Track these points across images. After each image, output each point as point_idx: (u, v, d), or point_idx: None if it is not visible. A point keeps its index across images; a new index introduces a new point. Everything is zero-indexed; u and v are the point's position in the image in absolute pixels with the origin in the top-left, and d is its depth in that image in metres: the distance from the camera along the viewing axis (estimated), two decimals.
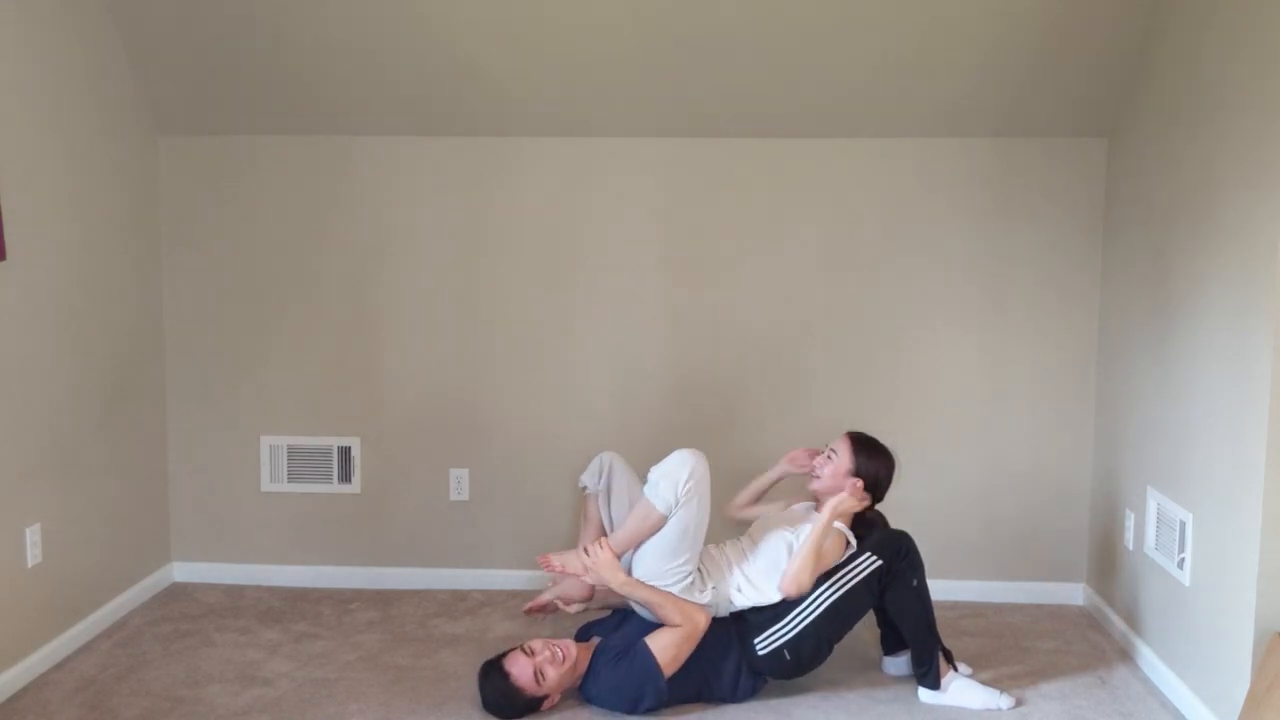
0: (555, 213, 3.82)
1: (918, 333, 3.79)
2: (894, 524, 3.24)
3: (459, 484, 3.93)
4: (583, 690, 2.99)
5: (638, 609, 3.10)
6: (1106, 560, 3.63)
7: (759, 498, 3.43)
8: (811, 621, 2.97)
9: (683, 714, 2.98)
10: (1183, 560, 3.00)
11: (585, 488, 3.34)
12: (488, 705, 2.91)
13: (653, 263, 3.82)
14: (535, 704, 2.91)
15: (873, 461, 3.14)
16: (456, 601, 3.83)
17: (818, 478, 3.16)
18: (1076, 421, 3.77)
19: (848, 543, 3.08)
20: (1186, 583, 2.99)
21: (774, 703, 3.04)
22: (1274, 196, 2.54)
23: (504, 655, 2.94)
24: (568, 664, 2.91)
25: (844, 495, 3.05)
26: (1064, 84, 3.47)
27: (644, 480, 3.02)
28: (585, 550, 3.03)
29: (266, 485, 3.95)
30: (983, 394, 3.79)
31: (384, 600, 3.82)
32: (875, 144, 3.73)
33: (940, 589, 3.50)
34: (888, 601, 3.03)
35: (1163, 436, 3.18)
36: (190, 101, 3.71)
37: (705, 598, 3.02)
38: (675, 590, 2.98)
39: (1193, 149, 3.01)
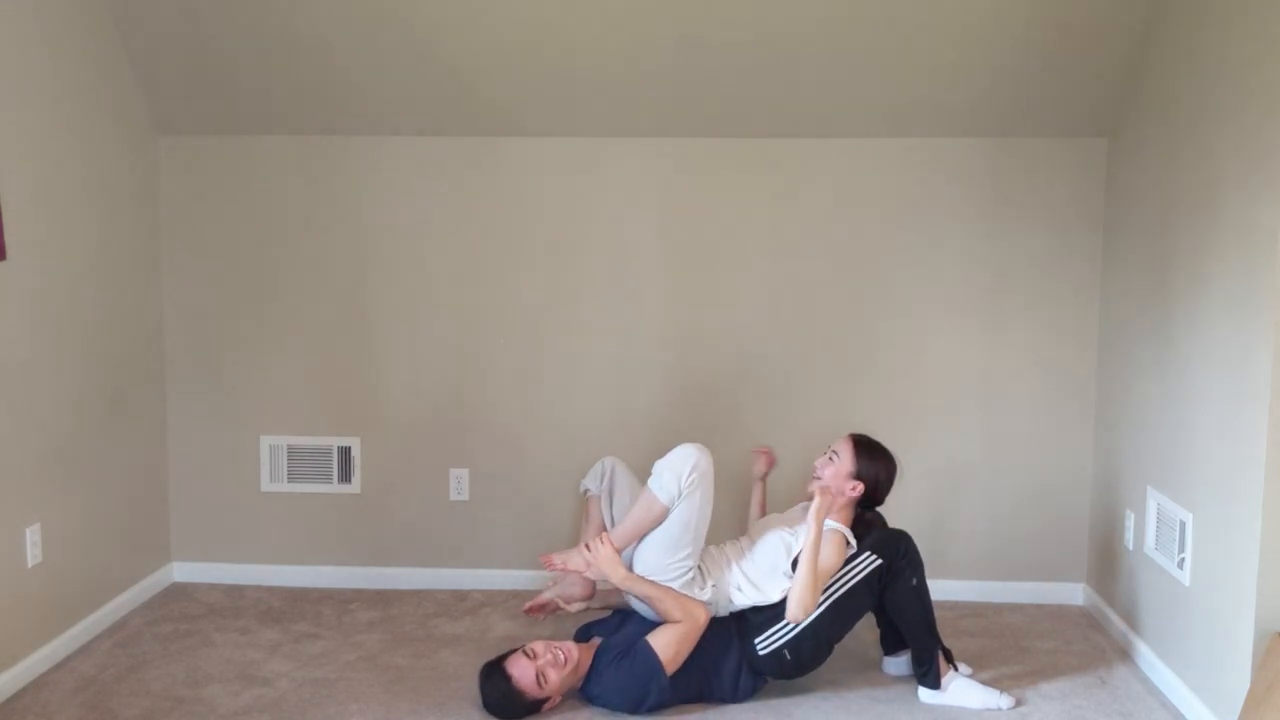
0: (555, 212, 3.82)
1: (918, 333, 3.79)
2: (894, 524, 3.24)
3: (459, 484, 3.93)
4: (584, 691, 2.99)
5: (638, 608, 3.11)
6: (1106, 560, 3.63)
7: (763, 508, 3.47)
8: (812, 621, 2.97)
9: (684, 714, 2.98)
10: (1183, 560, 3.00)
11: (587, 491, 3.34)
12: (489, 706, 2.91)
13: (653, 262, 3.82)
14: (537, 706, 2.91)
15: (874, 464, 3.14)
16: (456, 601, 3.83)
17: (819, 478, 3.15)
18: (1077, 421, 3.77)
19: (847, 542, 3.08)
20: (1186, 583, 2.99)
21: (774, 703, 3.04)
22: (1274, 196, 2.54)
23: (506, 657, 2.94)
24: (570, 666, 2.91)
25: (819, 501, 2.99)
26: (1064, 84, 3.47)
27: (646, 481, 3.02)
28: (587, 546, 3.03)
29: (266, 485, 3.95)
30: (983, 394, 3.79)
31: (384, 600, 3.82)
32: (875, 144, 3.72)
33: (940, 589, 3.50)
34: (887, 601, 3.03)
35: (1163, 436, 3.18)
36: (190, 101, 3.71)
37: (705, 595, 3.02)
38: (676, 586, 2.98)
39: (1193, 149, 3.01)
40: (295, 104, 3.69)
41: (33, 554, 3.14)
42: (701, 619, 2.97)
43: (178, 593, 3.87)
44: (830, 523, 3.06)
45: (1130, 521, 3.42)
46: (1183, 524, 3.00)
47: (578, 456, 3.80)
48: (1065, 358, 3.76)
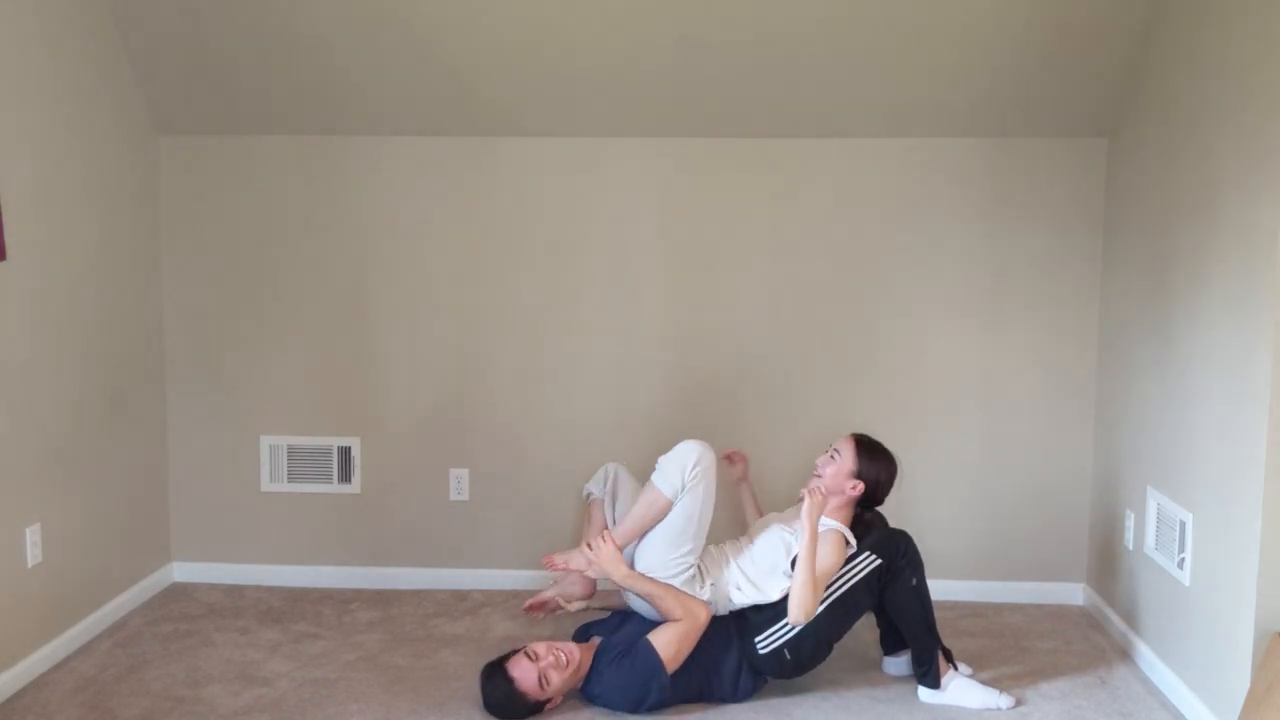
0: (555, 212, 3.82)
1: (918, 333, 3.79)
2: (894, 524, 3.25)
3: (459, 484, 3.93)
4: (585, 691, 2.99)
5: (638, 608, 3.11)
6: (1106, 560, 3.63)
7: (757, 508, 3.49)
8: (812, 621, 2.97)
9: (684, 714, 2.98)
10: (1183, 560, 3.00)
11: (590, 494, 3.35)
12: (490, 707, 2.91)
13: (653, 262, 3.82)
14: (538, 707, 2.91)
15: (875, 464, 3.14)
16: (456, 601, 3.83)
17: (819, 476, 3.15)
18: (1077, 421, 3.77)
19: (847, 542, 3.08)
20: (1186, 583, 2.99)
21: (774, 703, 3.04)
22: (1274, 196, 2.54)
23: (507, 658, 2.93)
24: (571, 667, 2.91)
25: (809, 503, 2.98)
26: (1064, 84, 3.47)
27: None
28: (588, 545, 3.04)
29: (266, 485, 3.95)
30: (983, 394, 3.79)
31: (384, 600, 3.82)
32: (875, 144, 3.72)
33: (940, 589, 3.49)
34: (887, 601, 3.03)
35: (1163, 436, 3.18)
36: (190, 101, 3.71)
37: (705, 594, 3.03)
38: (677, 583, 2.98)
39: (1193, 149, 3.01)
40: (295, 104, 3.69)
41: (33, 554, 3.13)
42: (702, 617, 2.97)
43: (178, 593, 3.86)
44: (830, 522, 3.07)
45: (1130, 521, 3.42)
46: (1183, 524, 3.00)
47: (578, 456, 3.80)
48: (1065, 358, 3.76)
